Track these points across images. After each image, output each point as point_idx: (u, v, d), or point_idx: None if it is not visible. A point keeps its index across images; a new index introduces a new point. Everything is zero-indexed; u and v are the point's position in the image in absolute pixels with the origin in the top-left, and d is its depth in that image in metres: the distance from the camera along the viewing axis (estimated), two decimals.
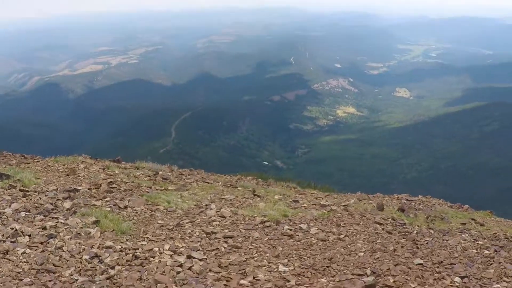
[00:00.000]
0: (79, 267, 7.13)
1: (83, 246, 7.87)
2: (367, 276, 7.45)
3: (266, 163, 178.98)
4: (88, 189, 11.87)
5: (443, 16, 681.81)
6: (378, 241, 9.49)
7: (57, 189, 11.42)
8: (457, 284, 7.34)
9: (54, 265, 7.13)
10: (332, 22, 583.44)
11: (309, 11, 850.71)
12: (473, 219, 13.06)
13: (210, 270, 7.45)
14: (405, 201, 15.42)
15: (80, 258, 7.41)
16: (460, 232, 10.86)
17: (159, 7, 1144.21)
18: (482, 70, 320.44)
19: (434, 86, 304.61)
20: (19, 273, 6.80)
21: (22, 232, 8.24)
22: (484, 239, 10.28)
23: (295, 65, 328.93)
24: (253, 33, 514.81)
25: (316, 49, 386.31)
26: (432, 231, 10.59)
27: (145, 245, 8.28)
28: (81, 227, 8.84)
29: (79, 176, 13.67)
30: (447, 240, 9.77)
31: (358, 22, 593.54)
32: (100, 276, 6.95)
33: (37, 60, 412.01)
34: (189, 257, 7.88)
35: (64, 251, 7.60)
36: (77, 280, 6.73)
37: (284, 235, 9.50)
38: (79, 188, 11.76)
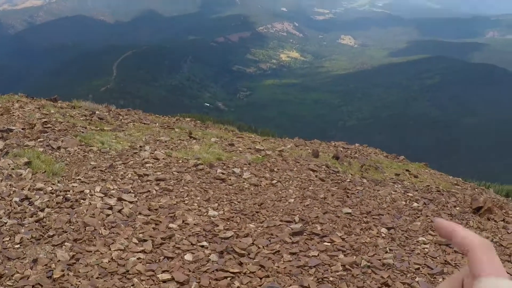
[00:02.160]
0: (8, 209, 6.97)
1: (13, 188, 7.68)
2: (295, 223, 7.46)
3: (208, 104, 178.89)
4: (22, 129, 11.57)
5: None
6: (310, 188, 9.51)
7: None
8: (383, 235, 7.42)
9: None
10: None
11: None
12: (407, 170, 13.21)
13: (139, 213, 7.38)
14: (341, 149, 15.50)
15: (10, 200, 7.24)
16: (393, 182, 10.98)
17: None
18: (428, 23, 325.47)
19: (379, 35, 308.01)
20: None
21: None
22: (416, 191, 10.41)
23: (240, 6, 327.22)
24: None
25: None
26: (364, 180, 10.67)
27: (76, 187, 8.12)
28: (13, 169, 8.63)
29: (13, 115, 13.30)
30: (378, 191, 9.85)
31: None
32: (30, 218, 6.80)
33: None
34: (119, 199, 7.78)
35: None
36: (6, 223, 6.58)
37: (217, 179, 9.44)
38: (13, 128, 11.45)
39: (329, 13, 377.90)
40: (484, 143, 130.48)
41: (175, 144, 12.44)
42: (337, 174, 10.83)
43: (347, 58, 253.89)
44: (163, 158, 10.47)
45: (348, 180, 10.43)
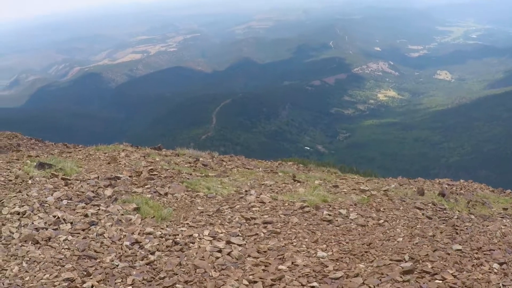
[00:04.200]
0: (119, 253, 7.21)
1: (123, 233, 7.95)
2: (405, 262, 7.39)
3: (308, 148, 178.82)
4: (129, 176, 11.99)
5: None
6: (417, 226, 9.40)
7: (98, 177, 11.54)
8: (495, 271, 7.24)
9: (95, 251, 7.22)
10: (371, 5, 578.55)
11: None
12: None
13: (249, 256, 7.48)
14: (446, 186, 15.26)
15: (121, 244, 7.50)
16: (501, 217, 10.71)
17: None
18: None
19: (475, 67, 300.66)
20: (61, 259, 6.90)
21: (64, 219, 8.36)
22: None
23: (334, 49, 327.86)
24: (292, 18, 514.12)
25: (355, 32, 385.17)
26: (472, 216, 10.46)
27: (185, 231, 8.33)
28: (122, 214, 8.94)
29: (120, 164, 13.81)
30: (487, 226, 9.63)
31: (396, 4, 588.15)
32: (140, 261, 7.02)
33: (76, 51, 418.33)
34: (228, 242, 7.92)
35: (105, 238, 7.69)
36: (117, 265, 6.81)
37: (323, 221, 9.47)
38: (120, 175, 11.88)
39: (423, 49, 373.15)
40: None
41: (279, 187, 12.57)
42: (444, 211, 10.67)
43: (444, 93, 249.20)
44: (269, 202, 10.58)
45: (456, 216, 10.25)
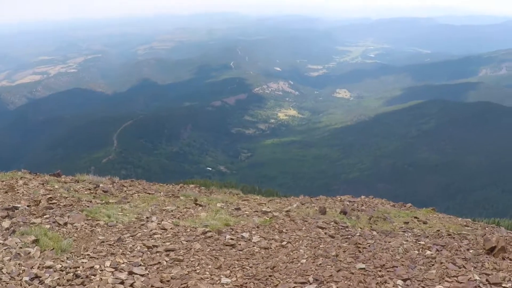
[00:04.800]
0: None
1: (23, 267, 7.63)
2: (310, 284, 7.40)
3: (210, 168, 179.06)
4: (28, 206, 11.58)
5: (384, 17, 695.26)
6: (320, 246, 9.46)
7: None
8: (400, 287, 7.33)
9: None
10: (275, 26, 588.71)
11: (253, 15, 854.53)
12: (415, 217, 13.21)
13: (152, 286, 7.32)
14: (347, 203, 15.50)
15: (20, 280, 7.19)
16: (403, 231, 10.95)
17: (99, 15, 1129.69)
18: (420, 69, 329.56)
19: (373, 86, 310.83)
20: None
21: None
22: (427, 237, 10.38)
23: (235, 69, 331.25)
24: (196, 39, 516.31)
25: (256, 53, 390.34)
26: (374, 232, 10.63)
27: (86, 262, 8.07)
28: (21, 247, 8.59)
29: (18, 192, 13.33)
30: (389, 242, 9.79)
31: (301, 25, 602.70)
32: None
33: None
34: (130, 273, 7.73)
35: (3, 273, 7.36)
36: None
37: (226, 245, 9.41)
38: (18, 205, 11.46)
39: (323, 69, 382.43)
40: (487, 180, 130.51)
41: (181, 212, 12.46)
42: (347, 229, 10.81)
43: (343, 111, 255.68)
44: (171, 228, 10.47)
45: (358, 234, 10.40)
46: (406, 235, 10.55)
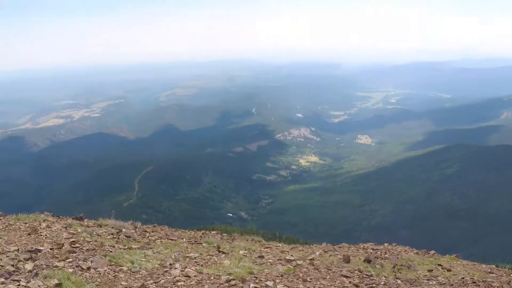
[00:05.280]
0: None
1: None
2: None
3: (231, 214, 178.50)
4: (50, 249, 11.61)
5: (402, 61, 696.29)
6: None
7: (18, 249, 11.16)
8: None
9: None
10: (294, 73, 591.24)
11: (271, 62, 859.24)
12: (439, 265, 13.07)
13: None
14: (371, 251, 15.38)
15: None
16: (427, 279, 10.84)
17: (119, 61, 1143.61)
18: (441, 113, 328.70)
19: (395, 131, 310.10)
20: None
21: None
22: (452, 285, 10.26)
23: (257, 116, 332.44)
24: (216, 86, 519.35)
25: (277, 99, 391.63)
26: (399, 281, 10.53)
27: None
28: None
29: (41, 235, 13.38)
30: None
31: (318, 71, 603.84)
32: None
33: None
34: None
35: None
36: None
37: None
38: (41, 248, 11.50)
39: (344, 115, 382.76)
40: (510, 225, 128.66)
41: (204, 260, 12.42)
42: (371, 277, 10.71)
43: (365, 157, 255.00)
44: (195, 276, 10.41)
45: (383, 283, 10.30)
46: (431, 283, 10.45)
